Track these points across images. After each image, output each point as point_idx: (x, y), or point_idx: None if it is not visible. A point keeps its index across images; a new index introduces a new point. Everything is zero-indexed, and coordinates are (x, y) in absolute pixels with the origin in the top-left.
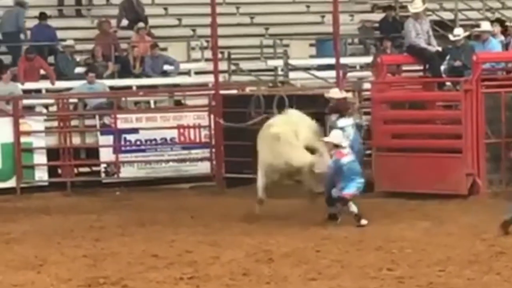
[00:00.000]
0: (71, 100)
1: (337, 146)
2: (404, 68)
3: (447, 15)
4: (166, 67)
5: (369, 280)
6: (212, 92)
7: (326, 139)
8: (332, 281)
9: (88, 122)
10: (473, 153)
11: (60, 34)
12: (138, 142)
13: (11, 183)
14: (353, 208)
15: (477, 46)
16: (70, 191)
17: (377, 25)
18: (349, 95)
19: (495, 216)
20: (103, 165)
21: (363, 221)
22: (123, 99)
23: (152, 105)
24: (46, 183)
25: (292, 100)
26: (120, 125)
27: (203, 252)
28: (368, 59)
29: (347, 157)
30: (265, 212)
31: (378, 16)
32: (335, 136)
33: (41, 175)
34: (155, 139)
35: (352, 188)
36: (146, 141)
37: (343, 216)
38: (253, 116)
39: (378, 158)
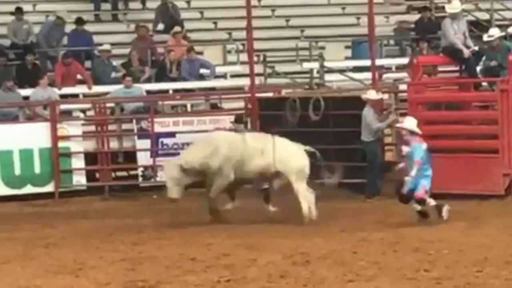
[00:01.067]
0: (108, 105)
1: (412, 132)
2: (440, 69)
3: (483, 15)
4: (202, 71)
5: (406, 281)
6: (248, 95)
7: (399, 125)
8: (369, 283)
9: (125, 126)
10: (510, 153)
11: (96, 38)
12: (175, 146)
13: (49, 187)
14: (432, 202)
15: None
16: (108, 195)
17: (412, 26)
18: (385, 96)
19: None
20: (140, 169)
21: (445, 211)
22: (160, 103)
23: (189, 109)
24: (84, 188)
25: (328, 103)
26: (157, 129)
27: (240, 255)
28: (404, 61)
29: (425, 144)
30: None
31: (413, 17)
32: (410, 122)
33: (79, 180)
34: (192, 143)
35: (422, 186)
36: (183, 144)
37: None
38: (289, 119)
39: None
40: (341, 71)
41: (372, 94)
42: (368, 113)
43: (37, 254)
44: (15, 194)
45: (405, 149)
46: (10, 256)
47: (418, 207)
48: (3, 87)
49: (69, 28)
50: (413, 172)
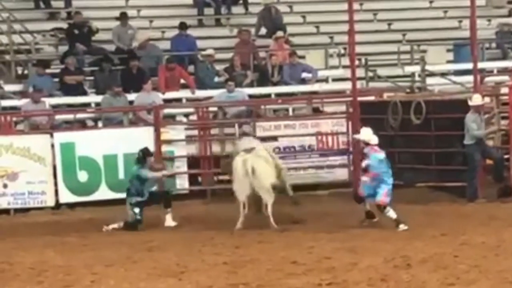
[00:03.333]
0: (211, 109)
1: (367, 143)
2: None
3: None
4: (304, 75)
5: (507, 285)
6: (350, 99)
7: (356, 136)
8: (470, 286)
9: (227, 130)
10: None
11: (200, 43)
12: (277, 150)
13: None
14: (391, 213)
15: None
16: (210, 199)
17: None
18: (487, 100)
19: None
20: None
21: (402, 226)
22: (262, 107)
23: (291, 113)
24: (186, 191)
25: (429, 106)
26: (259, 133)
27: (342, 258)
28: (506, 64)
29: (382, 153)
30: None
31: None
32: (365, 133)
33: (182, 183)
34: (293, 147)
35: (383, 193)
36: (284, 148)
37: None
38: (391, 123)
39: None
40: (443, 74)
41: (476, 99)
42: (469, 118)
43: (140, 257)
44: (119, 198)
45: (365, 162)
46: (114, 259)
47: (394, 216)
48: (110, 91)
49: (172, 33)
50: (365, 178)
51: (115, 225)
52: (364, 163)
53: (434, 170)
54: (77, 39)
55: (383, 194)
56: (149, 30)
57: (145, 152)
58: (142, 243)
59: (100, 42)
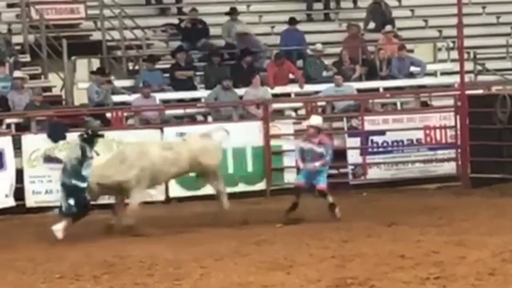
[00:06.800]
0: (319, 103)
1: (320, 130)
2: None
3: None
4: (413, 69)
5: None
6: (458, 92)
7: (306, 123)
8: None
9: (336, 124)
10: None
11: (308, 38)
12: (385, 144)
13: (261, 185)
14: (330, 198)
15: None
16: (318, 193)
17: None
18: None
19: None
20: (350, 167)
21: (337, 211)
22: (370, 101)
23: (399, 107)
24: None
25: None
26: (367, 127)
27: (449, 252)
28: None
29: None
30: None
31: None
32: (316, 120)
33: (290, 178)
34: (401, 141)
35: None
36: (392, 142)
37: None
38: (499, 116)
39: None
40: None
41: None
42: None
43: (249, 251)
44: (229, 193)
45: (307, 145)
46: (223, 253)
47: (331, 200)
48: (220, 86)
49: (282, 28)
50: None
51: None
52: (319, 150)
53: None
54: (189, 35)
55: (325, 181)
56: (259, 25)
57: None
58: (251, 236)
59: (210, 38)
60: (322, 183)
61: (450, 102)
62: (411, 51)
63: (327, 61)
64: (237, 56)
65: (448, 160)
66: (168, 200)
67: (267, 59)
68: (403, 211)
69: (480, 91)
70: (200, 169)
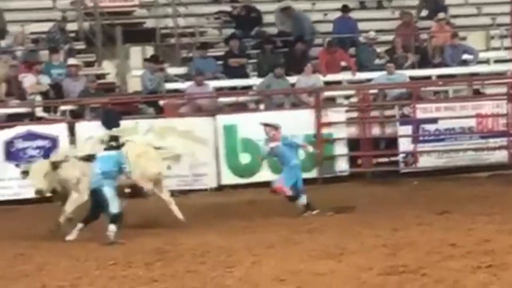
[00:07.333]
0: (371, 91)
1: (277, 127)
2: None
3: None
4: (465, 56)
5: None
6: (511, 80)
7: (263, 122)
8: None
9: (387, 112)
10: None
11: (361, 25)
12: (437, 132)
13: (312, 174)
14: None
15: None
16: (370, 181)
17: None
18: None
19: None
20: (401, 155)
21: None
22: (422, 89)
23: (451, 95)
24: (346, 174)
25: None
26: (419, 115)
27: (501, 241)
28: None
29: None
30: None
31: None
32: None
33: (342, 166)
34: (453, 129)
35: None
36: (444, 130)
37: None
38: None
39: None
40: None
41: None
42: None
43: (300, 239)
44: None
45: (271, 144)
46: (274, 241)
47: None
48: (273, 74)
49: (334, 15)
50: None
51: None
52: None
53: None
54: (242, 23)
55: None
56: (312, 13)
57: None
58: (302, 225)
59: (263, 26)
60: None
61: (503, 90)
62: (464, 38)
63: (380, 49)
64: (290, 42)
65: (500, 148)
66: (221, 187)
67: (319, 46)
68: (454, 199)
69: None
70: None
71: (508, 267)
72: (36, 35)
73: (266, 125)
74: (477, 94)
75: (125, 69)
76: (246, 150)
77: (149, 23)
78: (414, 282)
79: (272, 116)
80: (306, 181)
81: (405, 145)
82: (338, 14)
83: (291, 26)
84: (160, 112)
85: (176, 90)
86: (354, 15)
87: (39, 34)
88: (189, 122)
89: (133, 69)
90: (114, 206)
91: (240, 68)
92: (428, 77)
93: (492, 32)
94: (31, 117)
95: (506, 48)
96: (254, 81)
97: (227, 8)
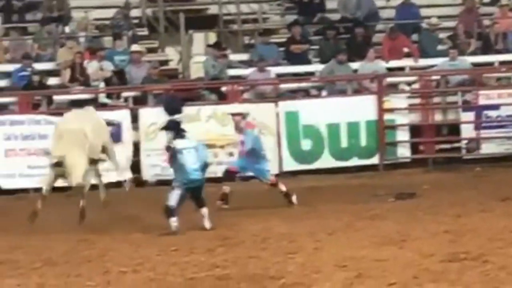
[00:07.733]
0: (433, 77)
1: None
2: None
3: None
4: None
5: None
6: None
7: (232, 112)
8: None
9: (450, 99)
10: None
11: (424, 11)
12: (499, 118)
13: (374, 160)
14: (282, 187)
15: None
16: (431, 168)
17: None
18: None
19: None
20: (464, 142)
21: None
22: (485, 75)
23: None
24: (408, 160)
25: None
26: (482, 101)
27: None
28: None
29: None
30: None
31: None
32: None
33: (403, 152)
34: None
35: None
36: (507, 117)
37: None
38: None
39: None
40: None
41: None
42: None
43: (362, 226)
44: (342, 166)
45: (241, 137)
46: (335, 227)
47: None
48: (335, 60)
49: (397, 1)
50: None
51: None
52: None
53: None
54: (305, 9)
55: (269, 172)
56: None
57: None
58: (364, 211)
59: (326, 12)
60: (267, 176)
61: None
62: None
63: (442, 35)
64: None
65: None
66: (282, 173)
67: (381, 33)
68: None
69: None
70: None
71: None
72: (99, 21)
73: (234, 114)
74: None
75: (187, 56)
76: (307, 137)
77: (212, 10)
78: (475, 269)
79: (334, 103)
80: (368, 168)
81: (467, 131)
82: (400, 0)
83: (353, 9)
84: (222, 98)
85: (238, 77)
86: (416, 1)
87: (103, 20)
88: (251, 108)
89: (196, 55)
90: (173, 199)
91: (302, 54)
92: (491, 63)
93: None
94: (94, 104)
95: None
96: (316, 67)
97: None
